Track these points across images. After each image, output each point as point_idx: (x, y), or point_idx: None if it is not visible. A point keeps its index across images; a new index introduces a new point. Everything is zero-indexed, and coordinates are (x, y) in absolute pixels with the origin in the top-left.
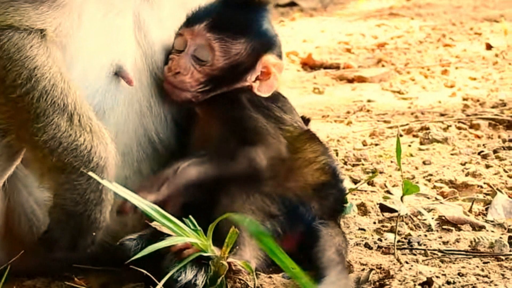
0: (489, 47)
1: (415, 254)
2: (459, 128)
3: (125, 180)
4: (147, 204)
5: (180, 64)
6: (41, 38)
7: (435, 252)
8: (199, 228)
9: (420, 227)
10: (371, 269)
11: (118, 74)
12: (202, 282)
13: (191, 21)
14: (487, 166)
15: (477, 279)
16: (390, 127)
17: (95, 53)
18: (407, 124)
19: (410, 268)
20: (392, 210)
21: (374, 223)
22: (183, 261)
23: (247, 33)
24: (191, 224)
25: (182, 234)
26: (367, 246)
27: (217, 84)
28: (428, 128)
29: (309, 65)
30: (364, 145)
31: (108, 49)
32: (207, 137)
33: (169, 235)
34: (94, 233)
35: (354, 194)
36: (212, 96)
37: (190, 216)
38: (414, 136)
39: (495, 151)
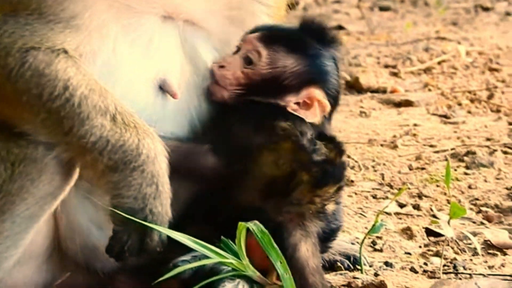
0: None
1: (460, 279)
2: (505, 152)
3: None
4: (183, 235)
5: (228, 60)
6: (66, 54)
7: (481, 276)
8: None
9: (465, 252)
10: None
11: (162, 88)
12: None
13: (252, 31)
14: None
15: None
16: (436, 152)
17: (138, 69)
18: (453, 149)
19: None
20: (437, 234)
21: (420, 247)
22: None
23: (301, 56)
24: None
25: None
26: (412, 270)
27: (254, 90)
28: (474, 153)
29: (355, 89)
30: (410, 169)
31: (150, 64)
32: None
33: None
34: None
35: (400, 218)
36: (245, 103)
37: (227, 239)
38: (460, 160)
39: None
